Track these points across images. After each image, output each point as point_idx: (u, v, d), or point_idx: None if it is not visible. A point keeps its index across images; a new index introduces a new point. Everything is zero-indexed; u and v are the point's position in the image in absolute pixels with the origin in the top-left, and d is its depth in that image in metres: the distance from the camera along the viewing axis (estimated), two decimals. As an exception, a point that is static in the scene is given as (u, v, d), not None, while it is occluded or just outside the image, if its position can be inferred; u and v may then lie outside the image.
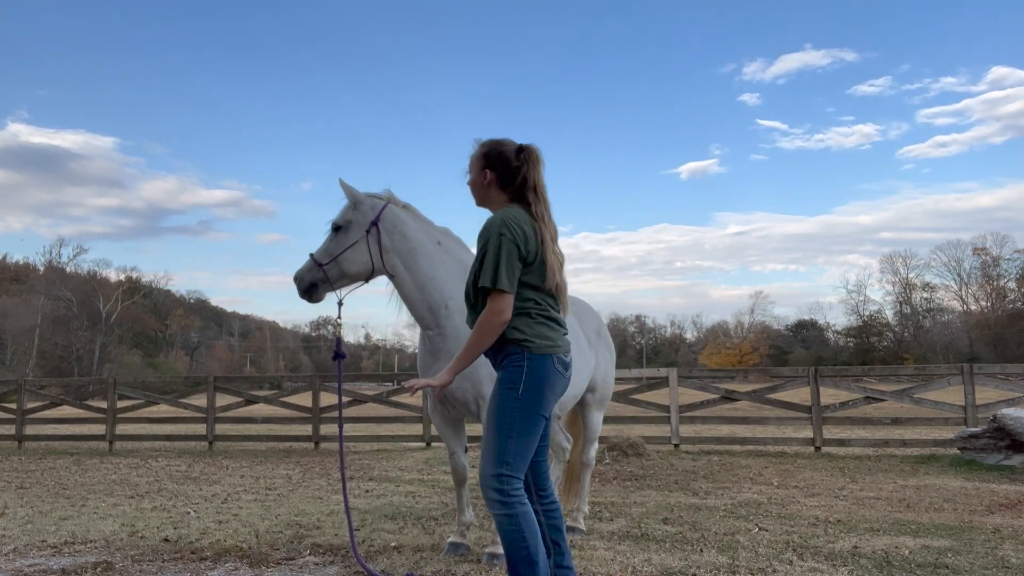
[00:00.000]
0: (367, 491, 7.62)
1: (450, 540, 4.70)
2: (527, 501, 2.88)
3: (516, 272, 2.89)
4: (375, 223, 4.21)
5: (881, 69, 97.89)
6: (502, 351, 2.95)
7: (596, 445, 5.57)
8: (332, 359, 4.35)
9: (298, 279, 4.21)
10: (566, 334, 3.08)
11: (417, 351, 4.58)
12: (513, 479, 2.84)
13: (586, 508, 5.54)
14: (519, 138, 3.16)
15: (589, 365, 5.16)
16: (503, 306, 2.87)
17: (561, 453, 5.69)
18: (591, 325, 5.42)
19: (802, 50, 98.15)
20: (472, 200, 3.25)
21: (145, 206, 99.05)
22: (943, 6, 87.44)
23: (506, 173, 3.10)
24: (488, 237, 2.93)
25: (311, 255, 4.22)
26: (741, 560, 4.42)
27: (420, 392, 4.48)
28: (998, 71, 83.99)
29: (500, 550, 4.29)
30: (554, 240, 3.04)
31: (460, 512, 4.74)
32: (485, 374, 4.11)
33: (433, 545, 4.87)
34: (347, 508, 4.31)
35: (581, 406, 5.48)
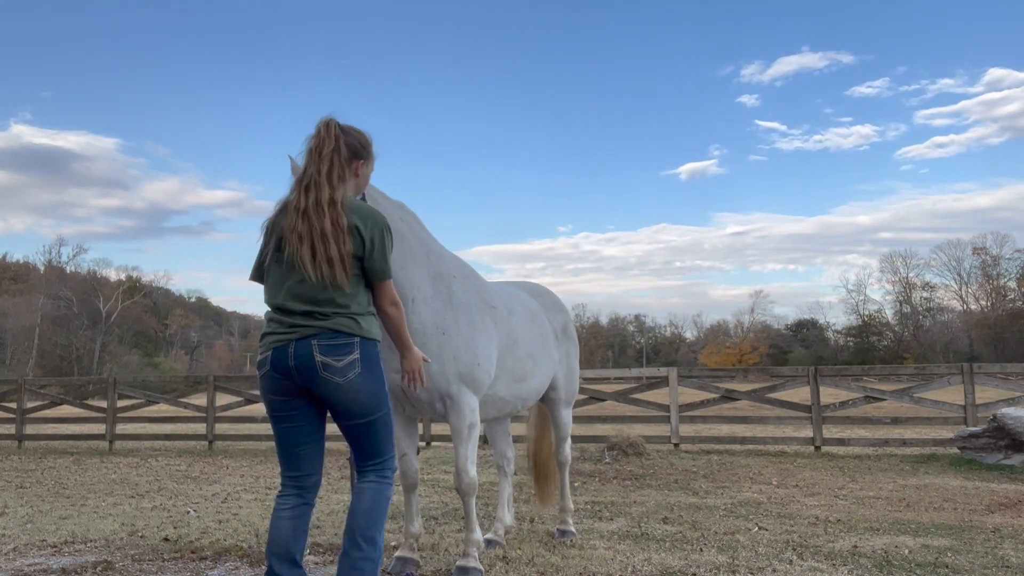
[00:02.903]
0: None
1: (396, 555, 4.20)
2: None
3: None
4: None
5: (878, 71, 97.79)
6: (357, 346, 2.84)
7: (569, 441, 5.34)
8: None
9: None
10: None
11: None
12: None
13: (571, 506, 5.32)
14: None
15: (553, 359, 4.96)
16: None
17: (506, 464, 5.27)
18: (558, 320, 5.18)
19: (799, 52, 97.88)
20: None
21: (147, 207, 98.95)
22: (940, 8, 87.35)
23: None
24: (383, 226, 2.93)
25: None
26: (741, 559, 4.42)
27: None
28: (995, 72, 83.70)
29: (472, 563, 4.02)
30: None
31: (409, 521, 4.24)
32: (452, 372, 3.89)
33: (433, 545, 4.87)
34: None
35: (548, 405, 5.26)
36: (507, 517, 5.09)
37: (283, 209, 2.90)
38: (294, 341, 2.79)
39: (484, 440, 11.70)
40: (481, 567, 4.05)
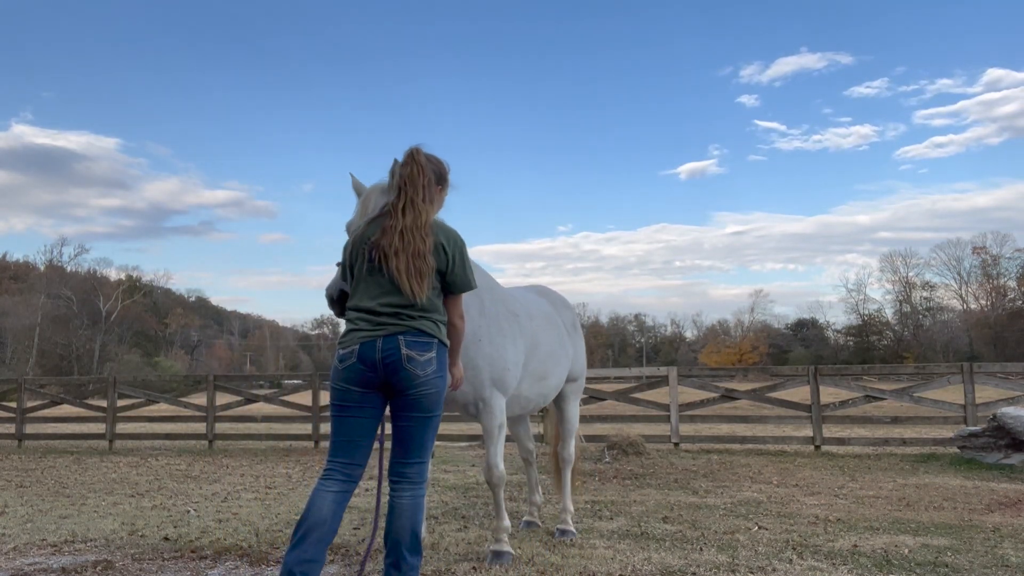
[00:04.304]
0: (367, 490, 7.62)
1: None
2: None
3: None
4: None
5: (877, 71, 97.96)
6: (435, 347, 3.21)
7: (574, 440, 5.43)
8: None
9: (329, 296, 3.61)
10: None
11: None
12: None
13: (571, 507, 5.34)
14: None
15: (568, 356, 5.16)
16: None
17: (529, 456, 5.64)
18: (567, 317, 5.42)
19: (798, 53, 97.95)
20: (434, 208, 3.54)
21: (148, 206, 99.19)
22: (939, 8, 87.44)
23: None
24: (462, 244, 3.36)
25: (338, 264, 3.59)
26: (741, 559, 4.42)
27: None
28: (994, 73, 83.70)
29: (504, 547, 4.35)
30: None
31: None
32: (486, 378, 4.14)
33: (433, 544, 4.87)
34: (376, 519, 3.70)
35: (560, 398, 5.39)
36: (537, 497, 5.61)
37: (377, 226, 3.24)
38: (382, 337, 3.13)
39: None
40: (512, 551, 4.39)
